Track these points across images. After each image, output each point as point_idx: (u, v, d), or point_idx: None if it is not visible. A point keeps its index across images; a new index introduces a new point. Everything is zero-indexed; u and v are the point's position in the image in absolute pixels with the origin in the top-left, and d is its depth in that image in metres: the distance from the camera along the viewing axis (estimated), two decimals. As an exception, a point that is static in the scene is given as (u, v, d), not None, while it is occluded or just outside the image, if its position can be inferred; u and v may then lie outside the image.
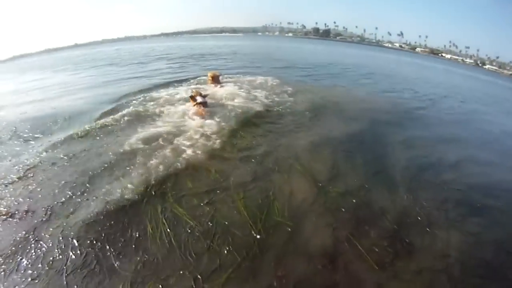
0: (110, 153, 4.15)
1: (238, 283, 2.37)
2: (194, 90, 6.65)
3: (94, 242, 2.68)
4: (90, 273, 2.40)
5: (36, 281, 2.34)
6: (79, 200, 3.19)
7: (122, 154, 4.09)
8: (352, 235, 2.85)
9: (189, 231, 2.84)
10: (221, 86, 7.90)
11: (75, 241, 2.68)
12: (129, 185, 3.37)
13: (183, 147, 4.26)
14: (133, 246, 2.68)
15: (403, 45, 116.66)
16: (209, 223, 2.93)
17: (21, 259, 2.52)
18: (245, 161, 4.12)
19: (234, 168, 3.93)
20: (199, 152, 4.18)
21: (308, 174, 3.85)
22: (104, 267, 2.46)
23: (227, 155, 4.23)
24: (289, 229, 2.89)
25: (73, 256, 2.54)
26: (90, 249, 2.61)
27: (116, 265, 2.49)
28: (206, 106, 5.88)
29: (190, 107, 5.88)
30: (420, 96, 10.21)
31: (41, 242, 2.67)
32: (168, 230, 2.84)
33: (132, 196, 3.22)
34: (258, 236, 2.78)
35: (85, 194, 3.29)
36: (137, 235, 2.78)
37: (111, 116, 5.62)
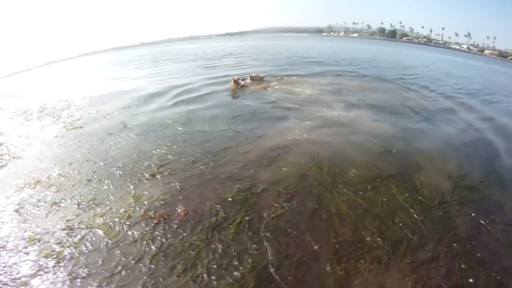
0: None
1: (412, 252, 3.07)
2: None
3: (289, 230, 3.36)
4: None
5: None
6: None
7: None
8: None
9: (362, 213, 3.64)
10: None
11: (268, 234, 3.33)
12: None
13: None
14: (325, 227, 3.39)
15: (470, 47, 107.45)
16: (379, 205, 3.79)
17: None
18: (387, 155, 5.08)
19: (378, 160, 4.89)
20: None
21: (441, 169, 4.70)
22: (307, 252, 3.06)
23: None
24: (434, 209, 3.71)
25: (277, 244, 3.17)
26: (287, 239, 3.24)
27: (315, 248, 3.13)
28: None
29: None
30: None
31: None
32: (348, 211, 3.68)
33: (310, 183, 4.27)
34: (419, 218, 3.54)
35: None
36: (325, 217, 3.57)
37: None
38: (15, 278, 2.93)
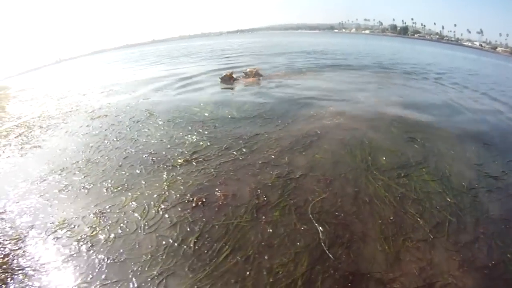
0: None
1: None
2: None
3: (336, 213, 3.23)
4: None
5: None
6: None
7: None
8: None
9: (400, 197, 3.52)
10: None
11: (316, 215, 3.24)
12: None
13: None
14: (369, 210, 3.30)
15: (483, 44, 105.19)
16: (414, 190, 3.64)
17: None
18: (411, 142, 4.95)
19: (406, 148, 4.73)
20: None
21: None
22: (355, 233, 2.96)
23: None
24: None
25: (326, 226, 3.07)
26: (335, 221, 3.13)
27: (363, 229, 3.03)
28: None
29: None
30: None
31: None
32: (386, 194, 3.55)
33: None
34: (453, 201, 3.43)
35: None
36: (367, 200, 3.46)
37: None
38: (45, 263, 2.78)
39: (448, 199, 3.49)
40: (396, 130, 5.52)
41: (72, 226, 3.26)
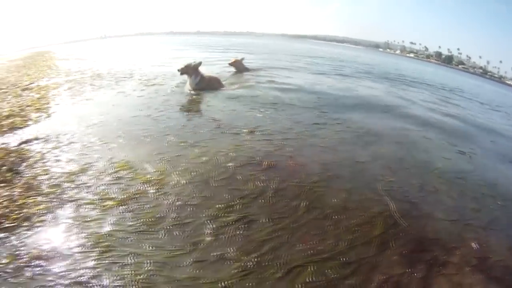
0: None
1: None
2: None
3: (404, 194, 3.26)
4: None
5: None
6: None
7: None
8: None
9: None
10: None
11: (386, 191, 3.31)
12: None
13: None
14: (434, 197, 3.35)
15: None
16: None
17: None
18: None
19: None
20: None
21: None
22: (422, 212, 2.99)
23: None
24: None
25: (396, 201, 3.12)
26: (404, 199, 3.16)
27: (429, 209, 3.06)
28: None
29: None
30: None
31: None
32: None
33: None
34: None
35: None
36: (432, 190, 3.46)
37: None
38: (103, 199, 2.70)
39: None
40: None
41: (136, 168, 3.19)
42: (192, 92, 6.69)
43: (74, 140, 3.88)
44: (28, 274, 1.90)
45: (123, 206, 2.59)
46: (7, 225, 2.33)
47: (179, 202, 2.68)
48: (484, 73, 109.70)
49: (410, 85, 13.43)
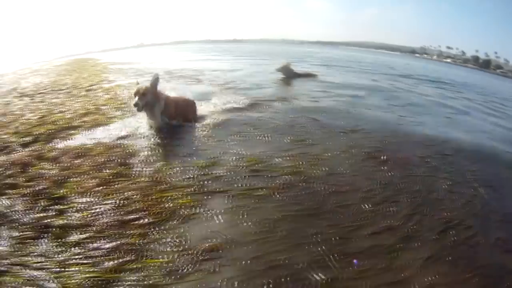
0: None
1: None
2: None
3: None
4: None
5: None
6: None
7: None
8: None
9: None
10: None
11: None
12: None
13: None
14: None
15: None
16: None
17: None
18: None
19: None
20: None
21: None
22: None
23: None
24: None
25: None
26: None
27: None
28: None
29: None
30: None
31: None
32: None
33: None
34: None
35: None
36: None
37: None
38: (259, 188, 2.90)
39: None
40: None
41: (269, 163, 3.40)
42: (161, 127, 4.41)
43: (180, 136, 4.19)
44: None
45: (278, 195, 2.79)
46: (152, 220, 2.36)
47: (330, 190, 2.98)
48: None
49: None
